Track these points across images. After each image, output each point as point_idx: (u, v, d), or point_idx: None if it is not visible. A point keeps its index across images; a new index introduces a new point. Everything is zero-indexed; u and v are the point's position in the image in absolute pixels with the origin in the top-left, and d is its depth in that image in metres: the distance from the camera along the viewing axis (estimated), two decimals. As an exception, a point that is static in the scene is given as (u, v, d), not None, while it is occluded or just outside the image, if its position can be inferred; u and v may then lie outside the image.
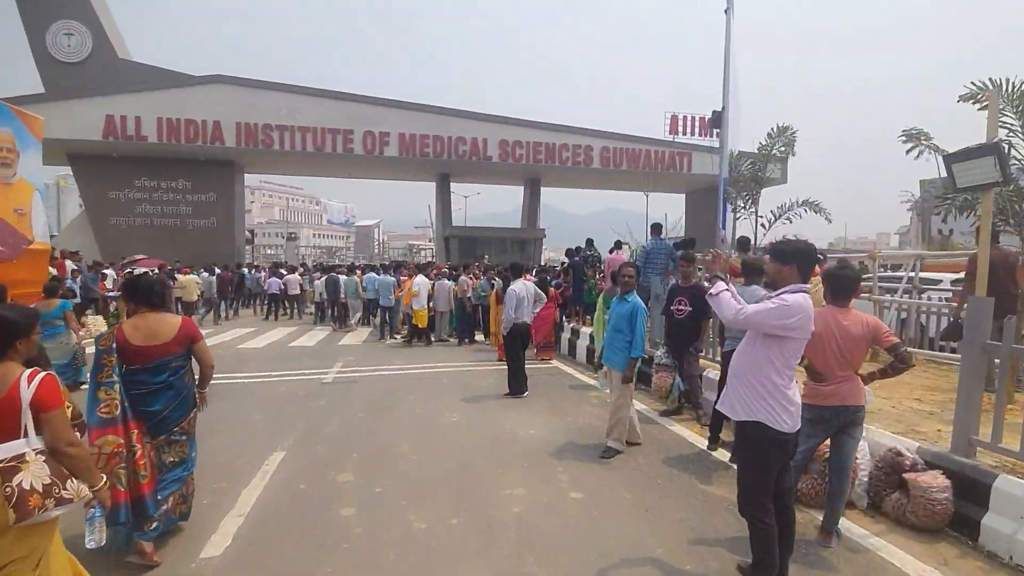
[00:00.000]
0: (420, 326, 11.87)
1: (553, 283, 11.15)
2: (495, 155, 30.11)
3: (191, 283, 16.17)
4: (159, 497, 3.27)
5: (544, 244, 36.27)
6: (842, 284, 3.24)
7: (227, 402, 6.67)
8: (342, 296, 14.94)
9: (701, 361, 6.18)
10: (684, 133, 33.95)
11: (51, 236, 28.47)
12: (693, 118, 34.16)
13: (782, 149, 11.33)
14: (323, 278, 15.67)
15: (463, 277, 12.19)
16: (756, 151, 12.47)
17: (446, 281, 12.20)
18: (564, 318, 10.90)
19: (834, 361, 3.17)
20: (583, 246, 11.50)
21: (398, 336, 12.52)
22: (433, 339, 12.79)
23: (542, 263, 25.22)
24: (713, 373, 6.14)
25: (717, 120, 9.31)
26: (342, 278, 14.99)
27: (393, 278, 12.64)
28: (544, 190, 36.52)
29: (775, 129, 11.45)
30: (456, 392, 7.39)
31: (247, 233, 39.94)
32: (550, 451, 5.04)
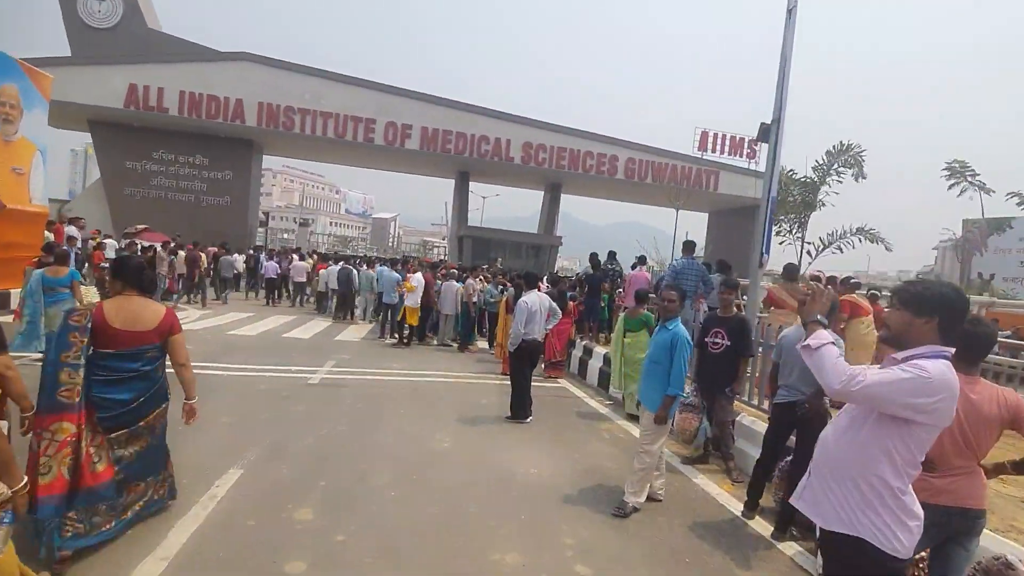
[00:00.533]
0: (411, 323, 11.18)
1: (568, 295, 10.38)
2: (517, 157, 29.40)
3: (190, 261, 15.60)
4: (102, 494, 2.97)
5: (559, 252, 35.45)
6: (974, 344, 2.41)
7: (197, 398, 5.94)
8: (355, 287, 14.28)
9: (735, 403, 5.35)
10: (713, 151, 33.11)
11: (65, 202, 28.18)
12: (724, 136, 33.31)
13: (840, 171, 10.23)
14: (331, 267, 15.01)
15: (470, 280, 11.43)
16: (802, 178, 11.37)
17: (454, 282, 11.44)
18: (578, 335, 10.09)
19: (951, 447, 2.35)
20: (605, 258, 10.68)
21: (396, 337, 11.79)
22: (436, 342, 12.06)
23: (554, 271, 24.33)
24: (749, 420, 5.31)
25: (766, 133, 8.41)
26: (355, 272, 14.30)
27: (398, 275, 11.90)
28: (563, 197, 35.72)
29: (836, 147, 10.36)
30: (452, 409, 6.61)
31: (261, 215, 39.56)
32: (554, 500, 4.24)
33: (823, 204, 9.82)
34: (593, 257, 10.43)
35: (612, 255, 10.65)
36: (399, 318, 11.30)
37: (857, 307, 6.18)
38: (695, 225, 43.33)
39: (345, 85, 27.41)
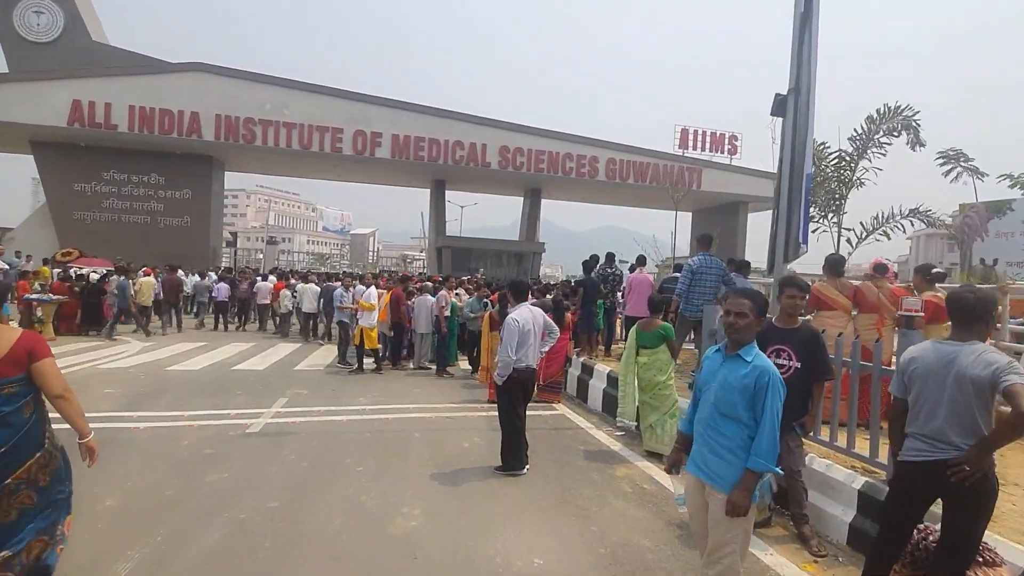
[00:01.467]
0: (368, 347, 9.76)
1: (565, 305, 9.04)
2: (494, 162, 28.17)
3: (147, 285, 14.00)
4: None
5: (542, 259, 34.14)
6: None
7: (92, 433, 4.43)
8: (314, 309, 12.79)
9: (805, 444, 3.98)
10: (694, 148, 32.26)
11: (7, 229, 26.05)
12: (704, 132, 32.50)
13: (883, 141, 8.50)
14: (302, 287, 13.51)
15: (441, 292, 9.98)
16: (835, 152, 9.52)
17: (428, 297, 10.03)
18: (575, 350, 8.69)
19: None
20: (603, 261, 9.34)
21: (350, 363, 10.34)
22: (412, 366, 10.61)
23: (538, 278, 23.02)
24: (823, 464, 3.97)
25: (781, 106, 7.18)
26: (308, 288, 12.79)
27: (343, 291, 10.49)
28: (543, 204, 34.49)
29: (881, 111, 8.67)
30: (425, 461, 5.18)
31: (228, 235, 37.74)
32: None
33: (861, 182, 8.54)
34: (589, 261, 9.09)
35: (611, 257, 9.33)
36: (357, 342, 9.86)
37: (940, 310, 4.86)
38: (678, 225, 42.38)
39: (308, 94, 25.96)
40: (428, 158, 27.09)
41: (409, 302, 11.26)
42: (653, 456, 5.39)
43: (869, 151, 8.52)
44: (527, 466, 4.86)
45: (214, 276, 16.88)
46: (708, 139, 32.48)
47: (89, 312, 13.39)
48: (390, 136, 26.52)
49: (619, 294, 9.43)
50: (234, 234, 38.02)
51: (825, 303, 5.86)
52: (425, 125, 27.04)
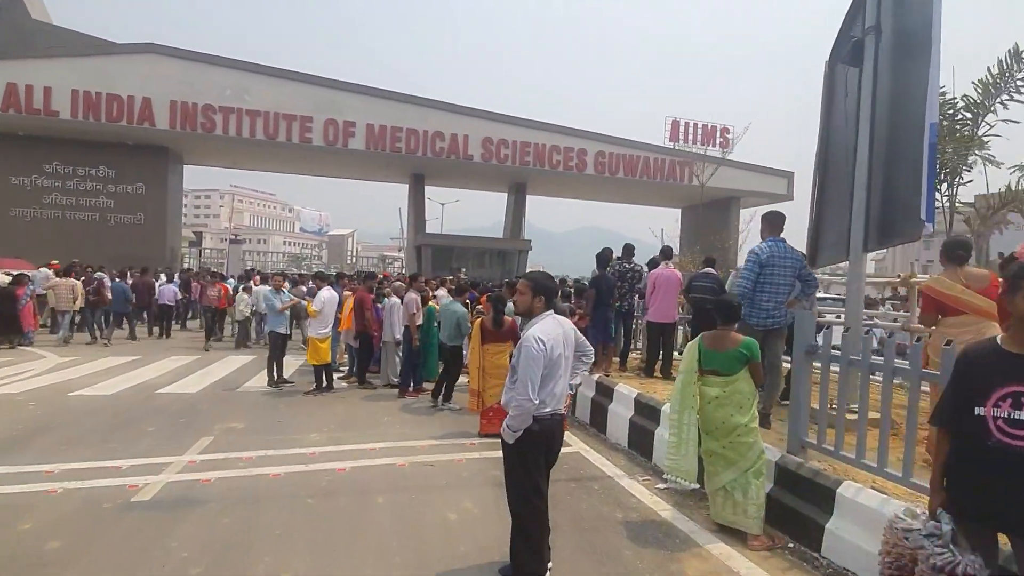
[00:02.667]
0: (314, 363, 7.97)
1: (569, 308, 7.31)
2: (477, 155, 26.33)
3: (67, 288, 12.01)
4: None
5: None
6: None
7: None
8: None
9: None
10: (685, 141, 30.84)
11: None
12: (696, 124, 31.09)
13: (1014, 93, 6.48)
14: (259, 289, 11.62)
15: (410, 294, 8.12)
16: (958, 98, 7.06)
17: (396, 300, 8.25)
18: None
19: None
20: (619, 254, 7.59)
21: (278, 385, 8.48)
22: (380, 382, 8.79)
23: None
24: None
25: (856, 51, 5.50)
26: (262, 290, 10.87)
27: (284, 294, 8.66)
28: (526, 201, 32.73)
29: (1013, 51, 6.61)
30: (390, 555, 3.40)
31: (192, 235, 35.35)
32: None
33: (984, 145, 6.82)
34: (604, 253, 7.33)
35: (629, 250, 7.59)
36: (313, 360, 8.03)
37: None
38: (664, 223, 41.04)
39: (273, 79, 23.85)
40: (406, 150, 25.17)
41: (380, 305, 9.47)
42: (729, 532, 3.67)
43: (1000, 100, 6.71)
44: (550, 567, 3.09)
45: (164, 278, 14.88)
46: (700, 131, 31.08)
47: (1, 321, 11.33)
48: (364, 126, 24.52)
49: (637, 295, 7.70)
50: (198, 234, 35.58)
51: (950, 305, 4.22)
52: (402, 114, 25.10)
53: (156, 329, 13.65)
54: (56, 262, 14.36)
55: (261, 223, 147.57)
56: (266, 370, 8.51)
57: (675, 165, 30.14)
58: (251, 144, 23.99)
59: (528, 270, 30.71)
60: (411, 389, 8.19)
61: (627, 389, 6.06)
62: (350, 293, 9.31)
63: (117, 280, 13.18)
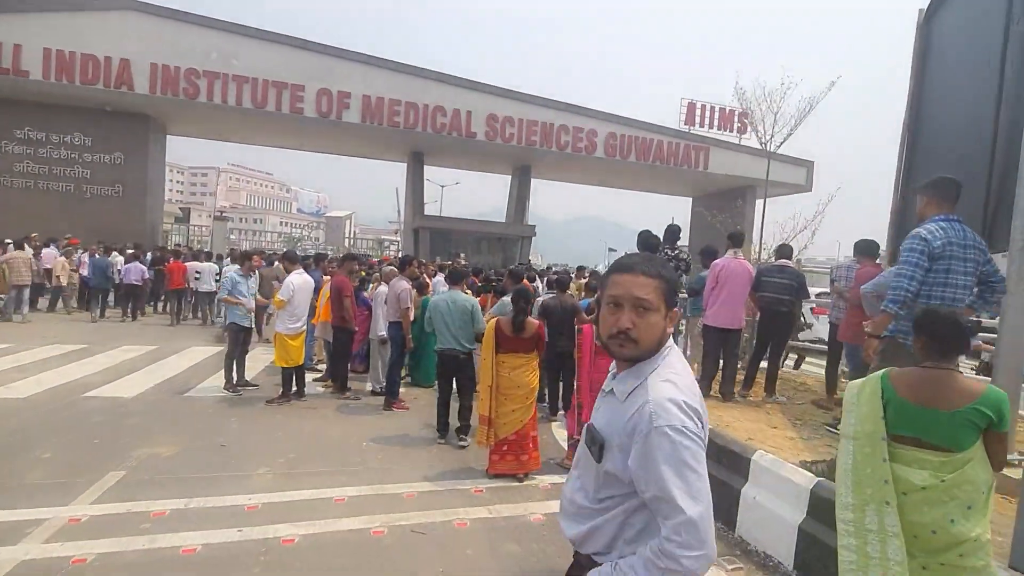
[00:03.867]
0: (281, 365, 6.48)
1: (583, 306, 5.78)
2: (480, 132, 24.64)
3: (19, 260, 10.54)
4: None
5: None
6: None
7: None
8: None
9: None
10: (701, 125, 29.17)
11: None
12: (712, 108, 29.39)
13: None
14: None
15: (400, 282, 6.56)
16: None
17: (383, 288, 6.74)
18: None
19: None
20: (658, 237, 6.03)
21: (242, 390, 6.96)
22: (370, 388, 7.31)
23: (529, 263, 19.79)
24: None
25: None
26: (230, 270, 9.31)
27: (238, 276, 7.08)
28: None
29: None
30: None
31: (178, 211, 33.66)
32: None
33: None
34: (649, 238, 5.76)
35: (674, 233, 6.04)
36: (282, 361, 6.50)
37: None
38: (675, 213, 39.47)
39: (264, 43, 22.06)
40: (404, 124, 23.46)
41: (366, 294, 7.97)
42: None
43: None
44: None
45: (122, 256, 13.32)
46: (717, 115, 29.39)
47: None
48: (360, 97, 22.79)
49: (682, 291, 6.17)
50: (185, 210, 33.88)
51: None
52: (401, 86, 23.36)
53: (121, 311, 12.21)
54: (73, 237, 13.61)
55: (258, 203, 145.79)
56: (223, 369, 6.99)
57: (690, 150, 28.46)
58: (238, 113, 22.27)
59: (530, 257, 29.17)
60: (400, 400, 6.69)
61: (790, 469, 3.74)
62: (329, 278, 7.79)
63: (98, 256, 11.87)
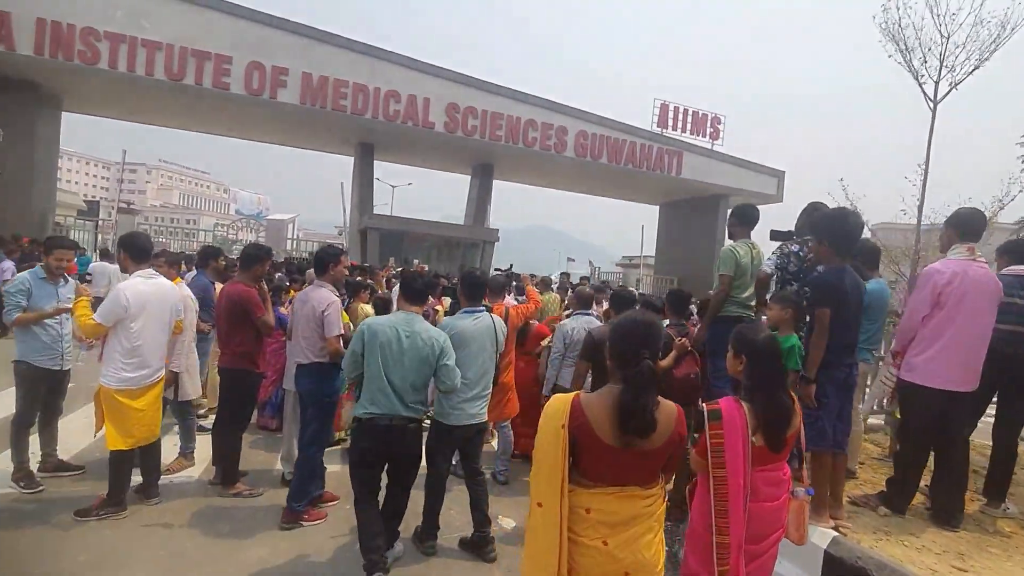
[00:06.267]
0: (113, 448, 3.66)
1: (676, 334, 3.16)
2: (439, 123, 21.89)
3: None
4: None
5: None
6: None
7: None
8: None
9: None
10: (675, 128, 27.43)
11: None
12: (686, 111, 27.73)
13: None
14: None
15: (322, 294, 3.78)
16: None
17: (316, 297, 3.91)
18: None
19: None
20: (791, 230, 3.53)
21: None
22: (283, 472, 4.44)
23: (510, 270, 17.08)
24: None
25: None
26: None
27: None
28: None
29: None
30: None
31: (82, 203, 29.06)
32: None
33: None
34: (783, 234, 3.24)
35: (822, 213, 3.51)
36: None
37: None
38: (645, 220, 37.81)
39: (181, 3, 18.54)
40: (352, 109, 20.39)
41: (283, 310, 5.08)
42: None
43: None
44: None
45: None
46: (690, 119, 27.75)
47: None
48: (299, 75, 19.59)
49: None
50: (93, 202, 29.33)
51: None
52: (349, 65, 20.32)
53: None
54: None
55: (192, 202, 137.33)
56: (11, 445, 3.95)
57: (663, 153, 26.62)
58: (149, 87, 18.64)
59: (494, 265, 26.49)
60: (317, 504, 3.86)
61: None
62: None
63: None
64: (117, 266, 9.87)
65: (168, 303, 3.80)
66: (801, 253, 3.65)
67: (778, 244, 3.82)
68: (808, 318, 2.97)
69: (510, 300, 6.46)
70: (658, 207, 34.10)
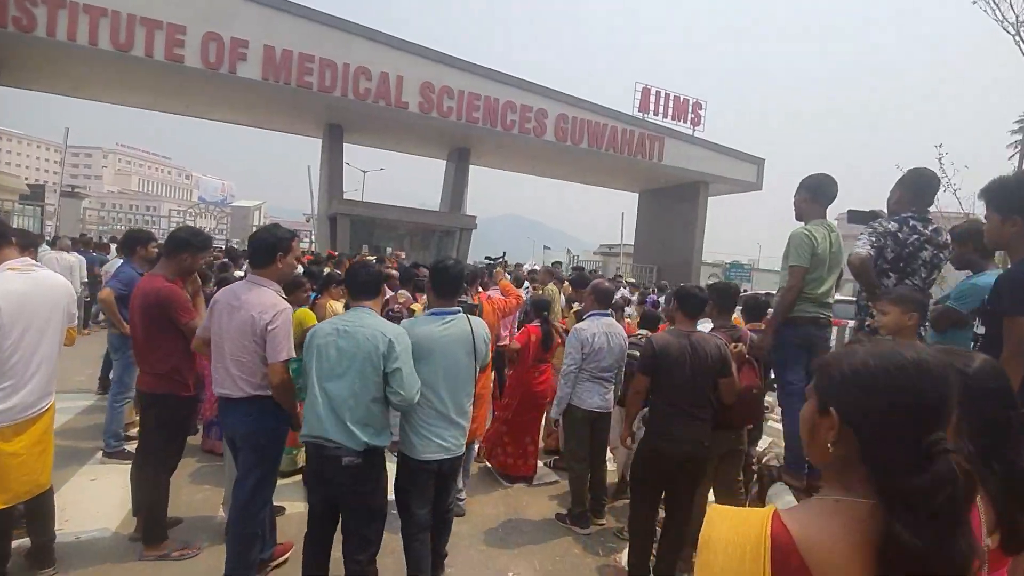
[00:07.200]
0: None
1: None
2: (413, 103, 20.65)
3: None
4: None
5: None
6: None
7: None
8: None
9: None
10: (656, 113, 26.71)
11: None
12: (668, 95, 27.02)
13: None
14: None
15: (266, 300, 2.84)
16: None
17: (244, 302, 2.88)
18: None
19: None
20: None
21: None
22: (221, 516, 3.40)
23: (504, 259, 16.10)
24: None
25: None
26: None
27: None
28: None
29: None
30: None
31: (24, 187, 26.93)
32: None
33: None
34: (863, 213, 2.43)
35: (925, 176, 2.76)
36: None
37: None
38: (625, 208, 37.14)
39: (128, -35, 16.87)
40: (319, 87, 19.02)
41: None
42: None
43: None
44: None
45: None
46: (672, 104, 27.05)
47: None
48: (261, 48, 18.13)
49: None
50: (38, 186, 27.19)
51: None
52: (316, 39, 18.90)
53: None
54: None
55: (152, 188, 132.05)
56: None
57: (644, 139, 25.87)
58: (93, 58, 16.96)
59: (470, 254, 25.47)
60: (271, 558, 2.90)
61: None
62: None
63: None
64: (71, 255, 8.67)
65: (58, 303, 2.76)
66: (901, 235, 2.83)
67: (867, 224, 3.01)
68: (985, 329, 2.12)
69: (495, 293, 5.52)
70: (637, 194, 33.45)
